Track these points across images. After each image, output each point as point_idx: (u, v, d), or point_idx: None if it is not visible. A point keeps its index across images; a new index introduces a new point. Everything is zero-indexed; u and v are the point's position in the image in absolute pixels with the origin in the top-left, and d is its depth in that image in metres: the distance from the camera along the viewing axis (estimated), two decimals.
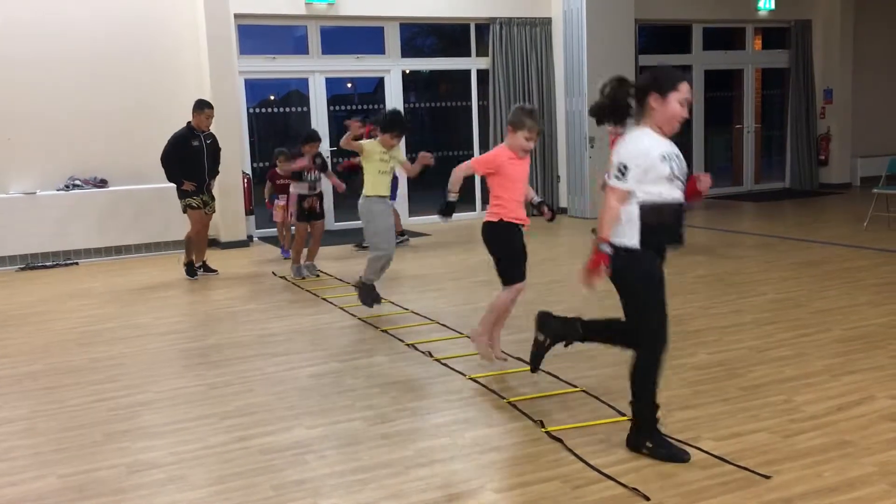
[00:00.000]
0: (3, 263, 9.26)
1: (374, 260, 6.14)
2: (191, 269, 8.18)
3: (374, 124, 9.92)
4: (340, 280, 7.77)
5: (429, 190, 12.48)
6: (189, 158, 7.94)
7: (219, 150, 8.33)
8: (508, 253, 4.71)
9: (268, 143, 11.23)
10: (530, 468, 3.44)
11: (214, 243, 10.28)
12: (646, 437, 3.49)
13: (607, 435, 3.74)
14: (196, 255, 8.25)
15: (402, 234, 9.73)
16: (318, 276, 8.01)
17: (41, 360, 5.45)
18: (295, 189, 8.03)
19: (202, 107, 7.98)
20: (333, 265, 8.54)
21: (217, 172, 8.37)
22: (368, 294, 6.22)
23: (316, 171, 8.03)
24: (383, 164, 6.13)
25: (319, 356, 5.27)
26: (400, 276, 8.00)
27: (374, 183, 6.10)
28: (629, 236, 3.40)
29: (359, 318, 6.22)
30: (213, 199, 8.28)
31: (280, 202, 9.09)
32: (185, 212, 8.08)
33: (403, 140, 11.43)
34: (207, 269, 8.39)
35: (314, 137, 8.25)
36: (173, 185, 8.09)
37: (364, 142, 6.23)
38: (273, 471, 3.51)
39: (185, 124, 8.03)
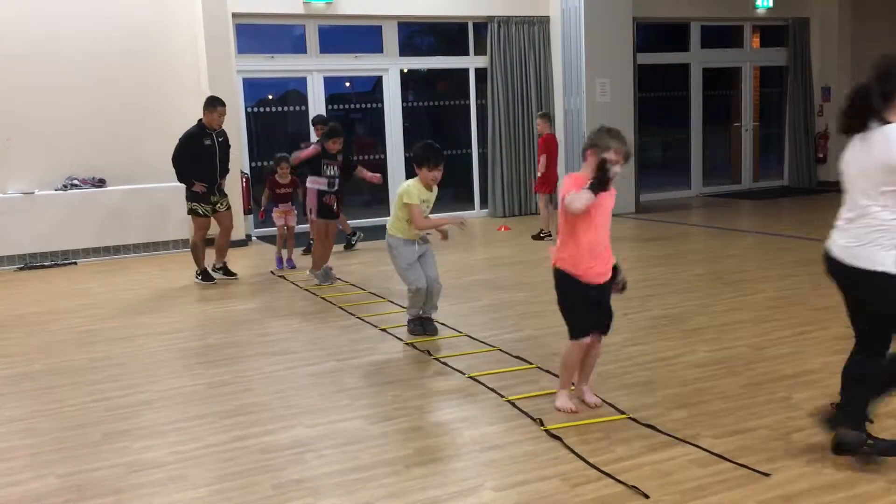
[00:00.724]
0: (2, 263, 9.25)
1: (410, 296, 5.62)
2: (206, 275, 7.84)
3: (320, 124, 9.22)
4: (340, 279, 7.76)
5: None
6: (201, 158, 7.64)
7: (229, 147, 8.06)
8: (562, 302, 4.05)
9: (266, 143, 11.22)
10: (529, 466, 3.44)
11: (210, 243, 10.24)
12: (855, 426, 3.29)
13: (606, 433, 3.74)
14: (217, 256, 7.99)
15: (354, 234, 9.52)
16: (334, 282, 7.55)
17: (40, 360, 5.44)
18: (313, 185, 7.54)
19: (215, 104, 7.69)
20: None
21: (227, 171, 8.07)
22: (413, 326, 5.69)
23: (335, 167, 7.55)
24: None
25: (318, 355, 5.27)
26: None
27: (404, 230, 5.45)
28: (886, 260, 3.12)
29: (357, 318, 6.22)
30: (224, 196, 7.97)
31: (279, 209, 8.58)
32: (189, 214, 7.87)
33: (401, 140, 11.60)
34: (227, 273, 8.03)
35: (336, 132, 7.57)
36: (176, 185, 7.89)
37: (409, 191, 5.36)
38: (272, 470, 3.51)
39: (195, 122, 7.77)
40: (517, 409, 4.09)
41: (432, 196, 5.48)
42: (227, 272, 8.04)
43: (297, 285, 7.61)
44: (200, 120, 7.75)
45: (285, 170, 8.52)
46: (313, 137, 9.28)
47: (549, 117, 10.06)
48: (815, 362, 4.67)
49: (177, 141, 7.73)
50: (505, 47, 11.81)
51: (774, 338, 5.19)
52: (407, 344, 5.41)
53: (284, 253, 8.66)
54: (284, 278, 7.99)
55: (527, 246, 9.42)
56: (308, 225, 7.97)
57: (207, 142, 7.69)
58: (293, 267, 8.50)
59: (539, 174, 9.82)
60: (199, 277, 7.88)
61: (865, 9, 13.98)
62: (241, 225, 10.31)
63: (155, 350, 5.60)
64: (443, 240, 5.71)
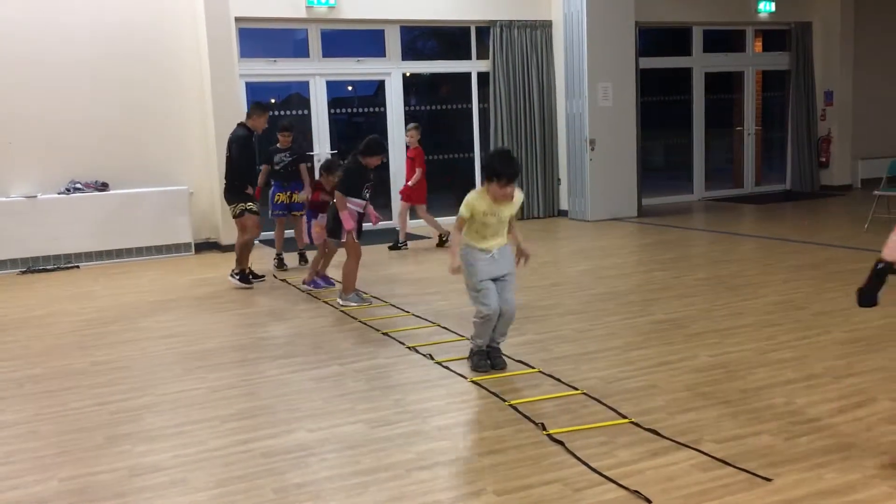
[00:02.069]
0: (4, 267, 9.26)
1: (477, 322, 4.85)
2: (245, 278, 7.77)
3: (287, 130, 8.77)
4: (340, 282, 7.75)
5: (428, 191, 12.47)
6: (251, 160, 7.81)
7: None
8: None
9: (268, 146, 11.22)
10: (532, 471, 3.44)
11: (214, 246, 10.29)
12: None
13: (609, 437, 3.74)
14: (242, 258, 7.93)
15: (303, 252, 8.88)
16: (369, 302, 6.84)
17: (42, 364, 5.45)
18: (352, 206, 6.62)
19: (266, 109, 7.84)
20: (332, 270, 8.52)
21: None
22: (478, 360, 4.89)
23: (371, 189, 6.80)
24: (485, 228, 4.70)
25: (321, 359, 5.27)
26: (401, 279, 8.00)
27: (474, 235, 4.75)
28: None
29: (360, 322, 6.22)
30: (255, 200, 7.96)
31: (320, 221, 7.33)
32: (240, 216, 7.67)
33: (403, 143, 11.57)
34: (255, 276, 8.02)
35: (379, 148, 6.65)
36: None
37: (468, 201, 4.66)
38: (275, 474, 3.52)
39: (236, 125, 7.89)
40: (519, 413, 4.10)
41: (504, 209, 4.67)
42: (255, 275, 8.04)
43: (297, 288, 7.62)
44: (245, 124, 7.83)
45: (335, 177, 7.24)
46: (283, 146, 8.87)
47: (420, 129, 9.81)
48: (817, 367, 4.67)
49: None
50: (507, 51, 11.82)
51: (776, 342, 5.19)
52: (409, 348, 5.41)
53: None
54: (286, 282, 7.99)
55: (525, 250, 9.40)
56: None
57: (252, 144, 7.84)
58: (332, 284, 7.56)
59: (411, 184, 9.66)
60: (237, 277, 7.77)
61: (868, 13, 14.00)
62: None
63: (157, 353, 5.61)
64: (452, 273, 4.83)
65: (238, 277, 7.79)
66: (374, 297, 7.01)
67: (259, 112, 7.82)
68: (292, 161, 8.76)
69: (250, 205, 7.73)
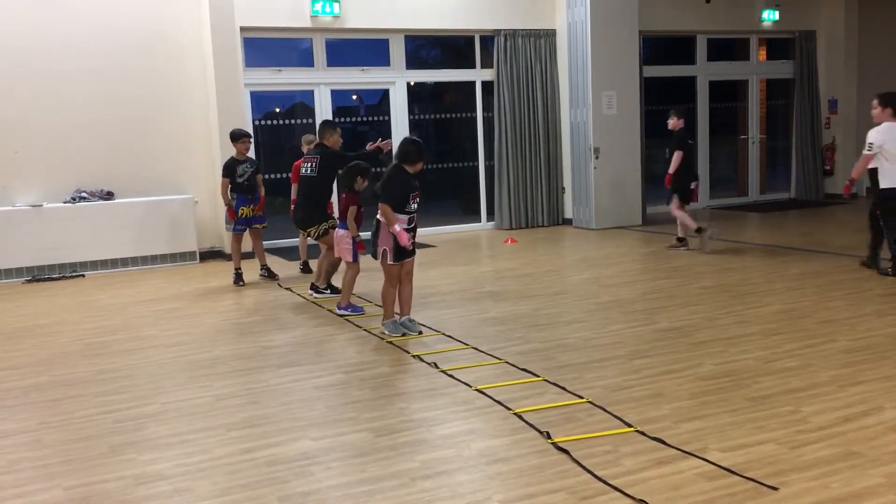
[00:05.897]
0: (10, 275, 9.28)
1: None
2: (326, 289, 7.62)
3: (242, 138, 8.36)
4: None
5: (432, 199, 12.48)
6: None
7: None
8: None
9: (273, 155, 11.27)
10: (536, 479, 3.43)
11: (220, 255, 10.30)
12: None
13: (614, 446, 3.73)
14: (324, 277, 7.66)
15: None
16: (420, 332, 6.05)
17: (47, 372, 5.46)
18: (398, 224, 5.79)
19: (335, 125, 7.65)
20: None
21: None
22: None
23: (417, 199, 5.88)
24: None
25: (325, 367, 5.27)
26: None
27: None
28: None
29: (364, 330, 6.22)
30: None
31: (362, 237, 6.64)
32: (325, 235, 7.36)
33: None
34: (332, 290, 7.61)
35: (418, 153, 5.84)
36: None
37: None
38: (279, 482, 3.51)
39: (314, 146, 7.70)
40: (524, 421, 4.09)
41: None
42: (332, 289, 7.74)
43: (304, 297, 7.62)
44: (323, 143, 7.53)
45: (364, 182, 6.59)
46: (232, 152, 8.46)
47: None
48: (822, 375, 4.66)
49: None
50: (511, 60, 11.84)
51: (781, 351, 5.18)
52: (413, 356, 5.41)
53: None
54: (291, 290, 8.00)
55: (533, 258, 9.42)
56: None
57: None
58: (360, 312, 6.83)
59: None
60: (315, 290, 7.59)
61: (871, 21, 14.01)
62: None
63: (162, 362, 5.62)
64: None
65: (315, 290, 7.58)
66: (379, 305, 6.89)
67: (330, 130, 7.53)
68: (255, 171, 8.39)
69: (332, 222, 7.44)
